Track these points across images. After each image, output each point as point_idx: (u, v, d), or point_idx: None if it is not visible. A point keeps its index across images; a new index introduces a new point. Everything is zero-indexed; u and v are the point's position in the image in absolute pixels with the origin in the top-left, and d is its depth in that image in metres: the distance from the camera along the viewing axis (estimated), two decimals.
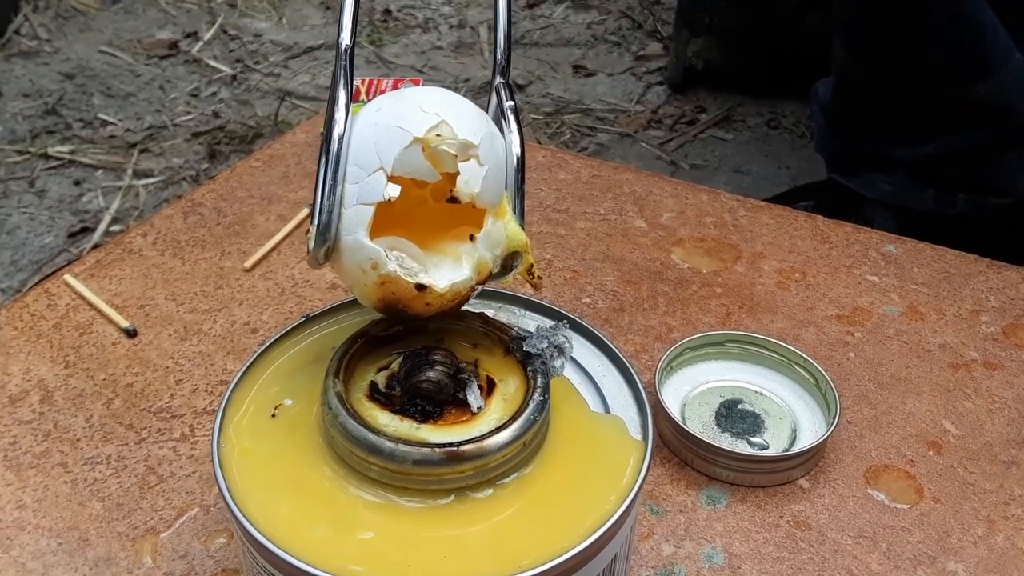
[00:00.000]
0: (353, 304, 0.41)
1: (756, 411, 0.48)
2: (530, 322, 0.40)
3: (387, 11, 1.74)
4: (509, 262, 0.35)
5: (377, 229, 0.33)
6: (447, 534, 0.32)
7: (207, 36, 1.61)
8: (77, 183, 1.24)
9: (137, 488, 0.43)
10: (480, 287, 0.35)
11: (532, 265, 0.35)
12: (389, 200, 0.32)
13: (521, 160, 0.35)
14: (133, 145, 1.31)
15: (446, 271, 0.34)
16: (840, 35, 0.93)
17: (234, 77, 1.50)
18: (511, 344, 0.36)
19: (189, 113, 1.40)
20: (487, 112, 0.37)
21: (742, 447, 0.46)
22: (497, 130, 0.35)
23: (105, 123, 1.37)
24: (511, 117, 0.36)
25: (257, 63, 1.55)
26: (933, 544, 0.42)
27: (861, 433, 0.48)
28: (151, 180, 1.24)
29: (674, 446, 0.46)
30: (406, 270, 0.33)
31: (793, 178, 1.26)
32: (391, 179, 0.32)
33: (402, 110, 0.33)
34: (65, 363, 0.50)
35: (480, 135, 0.33)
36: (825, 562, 0.41)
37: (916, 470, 0.46)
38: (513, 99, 0.37)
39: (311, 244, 0.33)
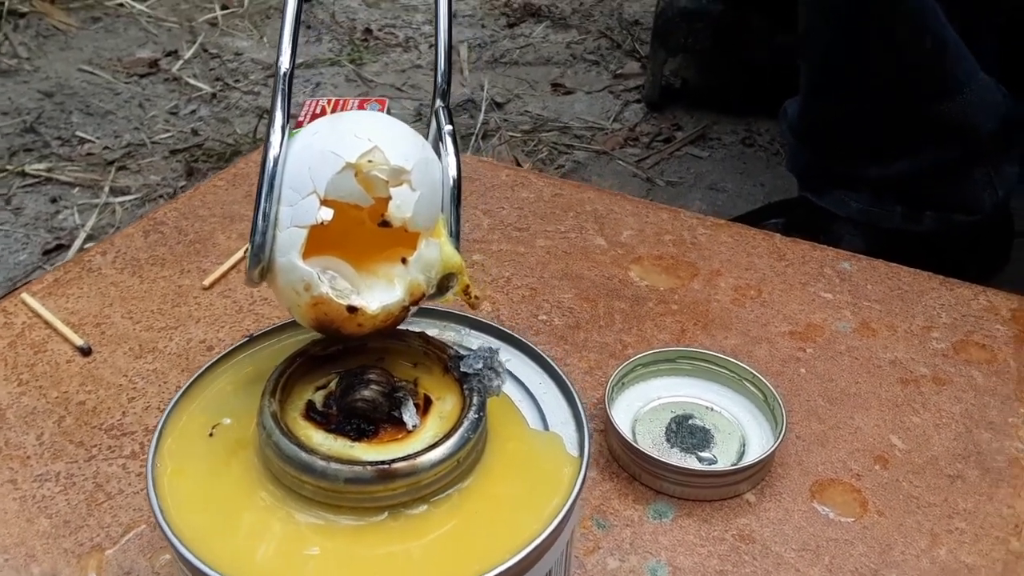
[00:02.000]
0: (297, 324, 0.41)
1: (706, 426, 0.48)
2: (475, 340, 0.40)
3: (368, 30, 1.76)
4: (445, 283, 0.36)
5: (312, 249, 0.33)
6: (384, 550, 0.32)
7: (187, 55, 1.62)
8: (54, 200, 1.24)
9: (85, 505, 0.43)
10: (415, 308, 0.35)
11: (468, 286, 0.36)
12: (322, 223, 0.32)
13: (457, 183, 0.36)
14: (111, 163, 1.31)
15: (379, 293, 0.34)
16: (805, 54, 0.95)
17: (214, 95, 1.51)
18: (449, 363, 0.36)
19: (168, 131, 1.40)
20: (427, 136, 0.37)
21: (691, 462, 0.46)
22: (433, 154, 0.36)
23: (83, 141, 1.37)
24: (448, 141, 0.37)
25: (237, 81, 1.56)
26: (876, 557, 0.42)
27: (808, 448, 0.48)
28: (128, 197, 1.24)
29: (623, 461, 0.47)
30: (338, 292, 0.33)
31: (767, 195, 1.28)
32: (324, 202, 0.32)
33: (337, 135, 0.34)
34: (19, 381, 0.50)
35: (413, 160, 0.34)
36: (768, 574, 0.41)
37: (862, 484, 0.46)
38: (451, 123, 0.38)
39: (247, 264, 0.33)
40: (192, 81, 1.54)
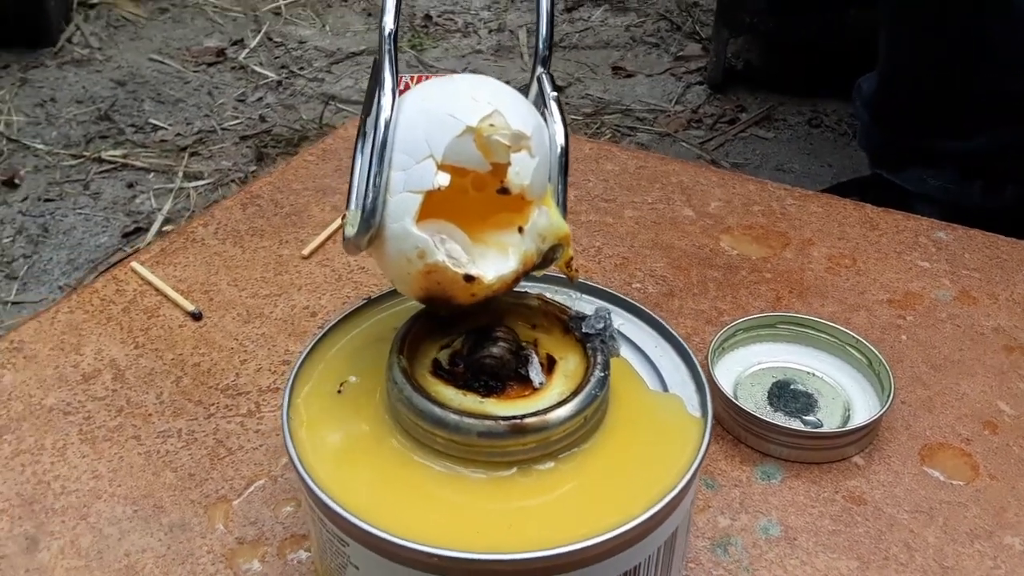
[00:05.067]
0: None
1: (809, 391, 0.48)
2: (585, 304, 0.41)
3: (427, 16, 1.77)
4: (550, 254, 0.35)
5: (420, 217, 0.32)
6: (512, 504, 0.32)
7: (253, 43, 1.65)
8: (130, 185, 1.27)
9: (208, 459, 0.45)
10: (521, 280, 0.34)
11: (571, 258, 0.35)
12: (438, 189, 0.31)
13: (565, 151, 0.35)
14: (183, 149, 1.35)
15: (492, 262, 0.34)
16: (887, 28, 0.93)
17: (279, 83, 1.53)
18: (570, 323, 0.37)
19: (236, 118, 1.43)
20: None
21: (795, 425, 0.46)
22: (543, 121, 0.35)
23: (156, 128, 1.41)
24: (554, 107, 0.35)
25: (301, 69, 1.58)
26: (990, 519, 0.42)
27: (915, 413, 0.48)
28: (201, 182, 1.27)
29: (727, 424, 0.47)
30: (454, 260, 0.32)
31: (835, 176, 1.26)
32: (440, 167, 0.31)
33: (453, 98, 0.33)
34: (135, 344, 0.52)
35: (531, 126, 0.33)
36: (881, 535, 0.41)
37: (971, 448, 0.46)
38: (556, 89, 0.36)
39: (353, 230, 0.32)
40: (258, 69, 1.57)
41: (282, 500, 0.43)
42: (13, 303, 1.07)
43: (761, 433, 0.45)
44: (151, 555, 0.40)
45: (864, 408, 0.47)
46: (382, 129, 0.32)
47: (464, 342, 0.36)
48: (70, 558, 0.40)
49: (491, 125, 0.32)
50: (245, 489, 0.43)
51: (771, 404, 0.48)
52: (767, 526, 0.42)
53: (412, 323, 0.37)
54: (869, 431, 0.45)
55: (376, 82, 0.34)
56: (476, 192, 0.34)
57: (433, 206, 0.32)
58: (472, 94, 0.33)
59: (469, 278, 0.32)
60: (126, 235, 1.17)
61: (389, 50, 0.33)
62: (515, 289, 0.39)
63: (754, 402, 0.48)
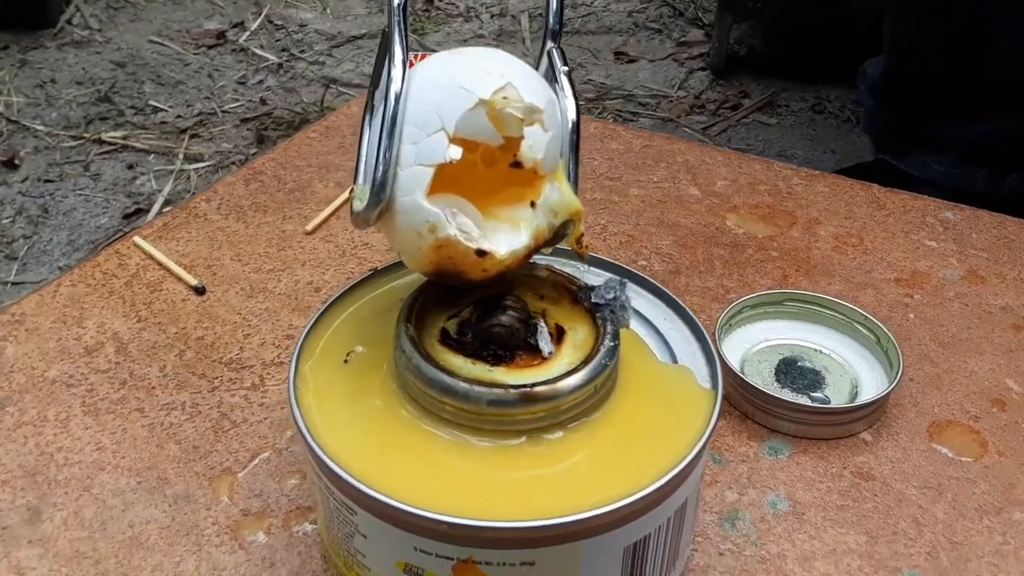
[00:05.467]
0: None
1: (816, 368, 0.48)
2: (593, 277, 0.40)
3: (429, 0, 1.76)
4: (561, 230, 0.34)
5: (431, 191, 0.31)
6: (520, 473, 0.32)
7: (253, 26, 1.64)
8: (130, 167, 1.27)
9: (212, 432, 0.44)
10: (532, 256, 0.34)
11: (582, 235, 0.35)
12: (450, 162, 0.31)
13: (576, 126, 0.34)
14: (184, 131, 1.34)
15: (504, 237, 0.33)
16: (893, 14, 0.93)
17: (280, 66, 1.52)
18: (579, 294, 0.36)
19: (237, 100, 1.42)
20: None
21: (803, 401, 0.46)
22: (555, 95, 0.34)
23: (156, 110, 1.40)
24: (565, 82, 0.35)
25: (302, 52, 1.57)
26: (999, 495, 0.42)
27: (923, 390, 0.48)
28: (201, 164, 1.27)
29: (734, 399, 0.47)
30: (466, 234, 0.32)
31: (839, 162, 1.25)
32: (452, 140, 0.31)
33: (465, 70, 0.32)
34: (138, 317, 0.51)
35: (544, 99, 0.32)
36: (890, 510, 0.41)
37: (980, 425, 0.46)
38: (566, 64, 0.36)
39: (363, 204, 0.32)
40: (259, 52, 1.56)
41: (287, 473, 0.42)
42: (13, 283, 1.07)
43: (769, 409, 0.45)
44: (155, 526, 0.40)
45: (872, 385, 0.47)
46: (392, 102, 0.31)
47: (473, 311, 0.36)
48: (73, 529, 0.40)
49: (504, 98, 0.31)
50: (250, 461, 0.43)
51: (778, 381, 0.47)
52: (775, 501, 0.41)
53: (419, 292, 0.37)
54: (877, 407, 0.45)
55: (385, 55, 0.33)
56: (485, 167, 0.33)
57: (443, 180, 0.32)
58: (485, 66, 0.32)
59: (481, 253, 0.32)
60: (126, 216, 1.17)
61: (399, 22, 0.32)
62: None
63: (761, 379, 0.48)
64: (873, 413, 0.45)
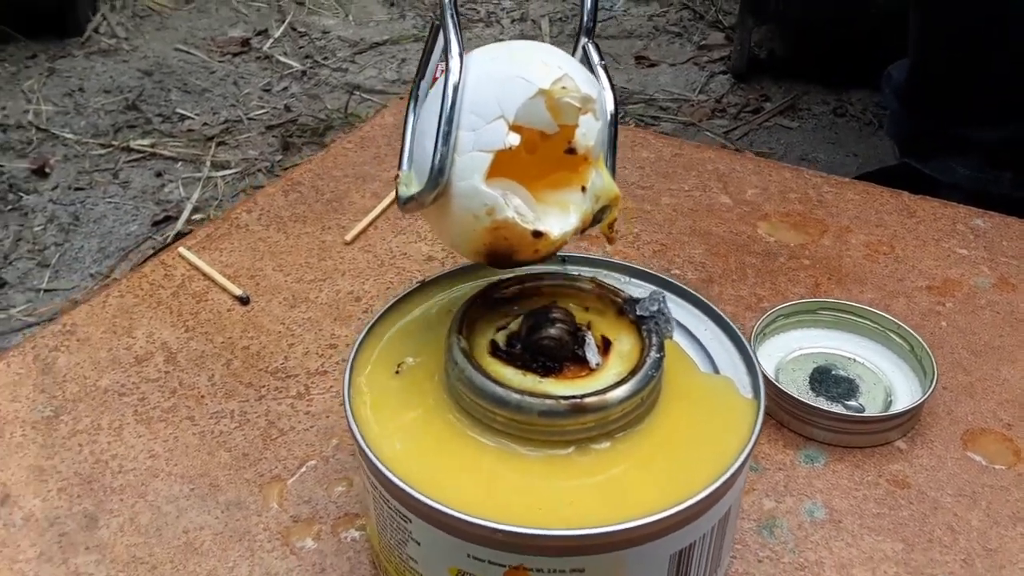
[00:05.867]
0: (465, 271, 0.42)
1: (850, 376, 0.49)
2: (636, 289, 0.41)
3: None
4: (599, 214, 0.36)
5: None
6: (569, 482, 0.33)
7: (277, 34, 1.66)
8: (159, 174, 1.29)
9: (260, 440, 0.45)
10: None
11: (615, 219, 0.37)
12: (509, 148, 0.32)
13: (615, 118, 0.36)
14: (210, 138, 1.36)
15: (555, 220, 0.34)
16: (917, 16, 0.93)
17: (304, 72, 1.54)
18: (625, 306, 0.37)
19: (262, 108, 1.44)
20: None
21: (838, 410, 0.47)
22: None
23: (183, 117, 1.42)
24: (602, 75, 0.37)
25: (326, 59, 1.59)
26: None
27: (957, 398, 0.48)
28: (228, 172, 1.28)
29: (770, 408, 0.47)
30: (522, 216, 0.33)
31: (861, 166, 1.26)
32: (511, 128, 0.32)
33: (523, 62, 0.34)
34: (185, 327, 0.53)
35: (595, 90, 0.34)
36: (926, 518, 0.42)
37: (1013, 433, 0.46)
38: (602, 58, 0.38)
39: (408, 191, 0.33)
40: (283, 59, 1.58)
41: (334, 480, 0.43)
42: (46, 290, 1.09)
43: (805, 417, 0.46)
44: (209, 532, 0.41)
45: (906, 393, 0.48)
46: (451, 91, 0.32)
47: (522, 323, 0.37)
48: (130, 535, 0.41)
49: (563, 88, 0.33)
50: (298, 469, 0.44)
51: (813, 389, 0.48)
52: (812, 508, 0.42)
53: (469, 305, 0.38)
54: (912, 416, 0.46)
55: (431, 47, 0.35)
56: (528, 154, 0.35)
57: (496, 166, 0.33)
58: (541, 58, 0.34)
59: (537, 234, 0.33)
60: (156, 223, 1.19)
61: (452, 15, 0.34)
62: (568, 273, 0.40)
63: (796, 387, 0.48)
64: (908, 422, 0.46)
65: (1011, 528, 0.41)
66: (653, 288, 0.37)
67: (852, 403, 0.47)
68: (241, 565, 0.40)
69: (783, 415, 0.47)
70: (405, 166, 0.36)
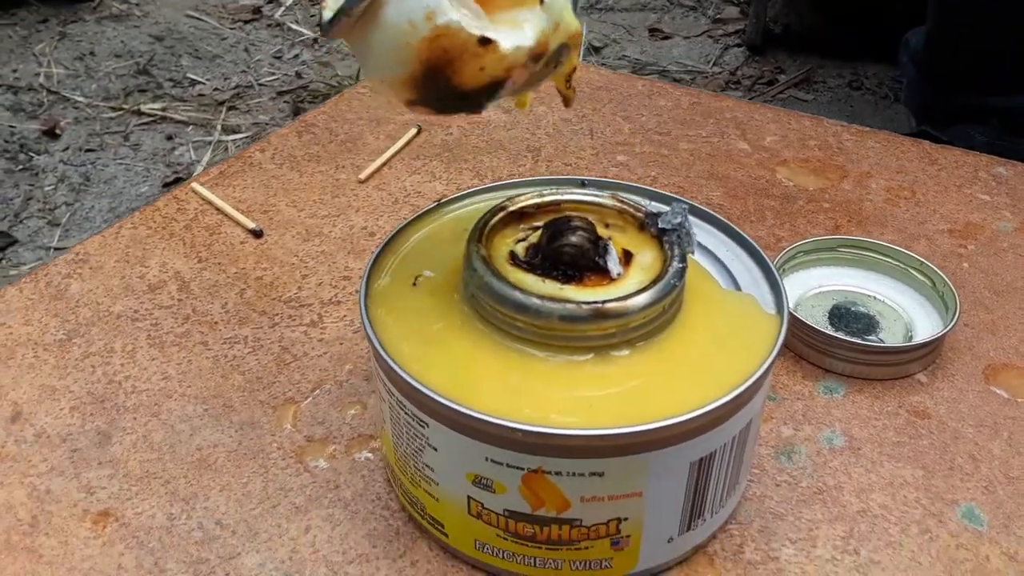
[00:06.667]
0: (483, 191, 0.42)
1: (870, 313, 0.48)
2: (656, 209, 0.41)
3: None
4: (557, 55, 0.32)
5: None
6: (589, 388, 0.33)
7: (288, 1, 1.65)
8: (169, 138, 1.28)
9: (274, 364, 0.45)
10: (527, 75, 0.31)
11: (575, 68, 0.33)
12: None
13: None
14: (221, 103, 1.35)
15: (507, 32, 0.30)
16: None
17: (315, 40, 1.53)
18: (646, 220, 0.37)
19: (273, 74, 1.44)
20: None
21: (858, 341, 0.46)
22: None
23: (194, 82, 1.41)
24: None
25: None
26: None
27: (979, 335, 0.47)
28: (239, 136, 1.28)
29: (788, 340, 0.47)
30: (468, 17, 0.29)
31: None
32: None
33: None
34: (198, 258, 0.52)
35: None
36: (946, 447, 0.41)
37: None
38: None
39: (337, 5, 0.28)
40: (294, 27, 1.57)
41: (348, 403, 0.43)
42: (56, 248, 1.08)
43: (824, 348, 0.45)
44: (223, 449, 0.41)
45: (926, 330, 0.47)
46: None
47: (542, 233, 0.36)
48: (142, 451, 0.41)
49: None
50: (311, 392, 0.44)
51: (832, 325, 0.48)
52: (831, 436, 0.42)
53: (488, 216, 0.37)
54: (933, 348, 0.45)
55: None
56: None
57: None
58: None
59: (485, 41, 0.29)
60: (166, 185, 1.18)
61: None
62: (588, 193, 0.39)
63: (815, 322, 0.48)
64: (929, 355, 0.45)
65: None
66: (676, 198, 0.36)
67: (872, 339, 0.47)
68: (255, 481, 0.39)
69: (802, 347, 0.46)
70: None
